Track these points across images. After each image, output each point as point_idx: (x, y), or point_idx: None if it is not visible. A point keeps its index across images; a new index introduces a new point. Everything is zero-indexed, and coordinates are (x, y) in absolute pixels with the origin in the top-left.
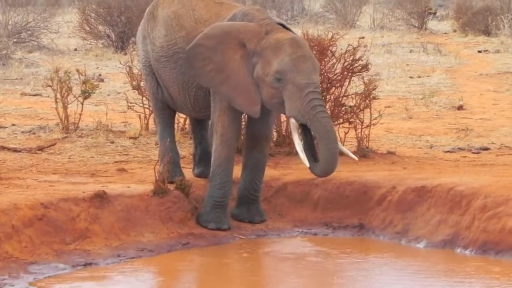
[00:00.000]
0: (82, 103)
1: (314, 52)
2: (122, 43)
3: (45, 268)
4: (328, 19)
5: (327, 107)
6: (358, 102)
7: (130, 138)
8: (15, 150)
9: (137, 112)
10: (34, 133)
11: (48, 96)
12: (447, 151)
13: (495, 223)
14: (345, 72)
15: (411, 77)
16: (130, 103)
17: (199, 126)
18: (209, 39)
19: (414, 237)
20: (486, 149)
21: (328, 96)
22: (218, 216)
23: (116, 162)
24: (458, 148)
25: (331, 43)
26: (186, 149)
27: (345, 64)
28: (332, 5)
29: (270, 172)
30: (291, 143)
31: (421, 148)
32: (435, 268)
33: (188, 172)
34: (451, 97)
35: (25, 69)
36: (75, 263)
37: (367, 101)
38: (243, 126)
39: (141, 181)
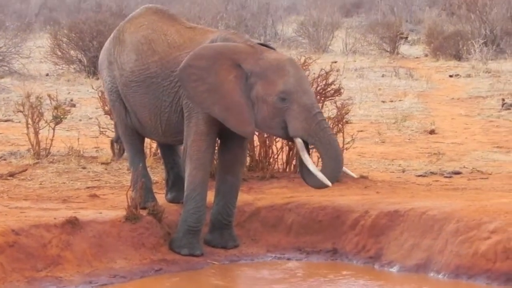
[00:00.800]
0: (53, 129)
1: None
2: (94, 68)
3: None
4: (301, 43)
5: None
6: (331, 126)
7: (102, 163)
8: None
9: (109, 137)
10: (5, 159)
11: (20, 122)
12: (419, 175)
13: (467, 247)
14: (318, 97)
15: (383, 102)
16: (102, 128)
17: (170, 151)
18: (201, 60)
19: (388, 262)
20: (458, 173)
21: None
22: (191, 242)
23: (88, 187)
24: (430, 172)
25: (304, 67)
26: (158, 174)
27: (318, 88)
28: (304, 30)
29: (243, 197)
30: (264, 168)
31: (393, 172)
32: None
33: (161, 197)
34: (423, 121)
35: None
36: None
37: (340, 125)
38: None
39: (113, 207)
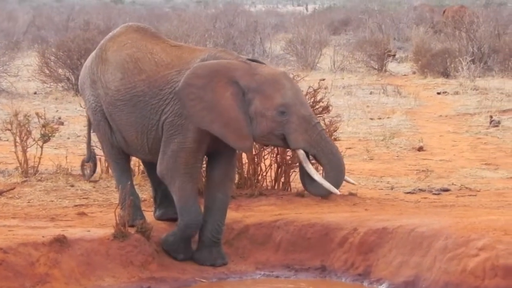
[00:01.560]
0: (41, 147)
1: None
2: None
3: None
4: (289, 61)
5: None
6: None
7: (90, 181)
8: None
9: (97, 155)
10: None
11: (7, 140)
12: (408, 192)
13: (456, 264)
14: None
15: (371, 119)
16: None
17: (155, 169)
18: (198, 79)
19: (376, 279)
20: (447, 190)
21: None
22: (186, 247)
23: (76, 205)
24: (419, 189)
25: None
26: (147, 192)
27: None
28: (292, 48)
29: (231, 215)
30: (252, 185)
31: (382, 189)
32: None
33: (150, 215)
34: (411, 138)
35: None
36: None
37: None
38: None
39: (101, 224)
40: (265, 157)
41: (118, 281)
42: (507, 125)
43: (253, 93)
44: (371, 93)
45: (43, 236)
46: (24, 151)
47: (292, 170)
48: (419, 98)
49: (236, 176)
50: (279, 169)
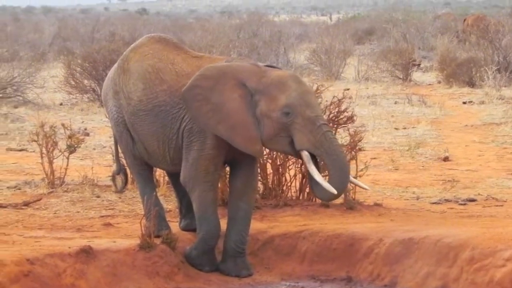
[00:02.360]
0: (67, 158)
1: None
2: None
3: None
4: (313, 71)
5: None
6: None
7: (116, 192)
8: (0, 206)
9: (123, 166)
10: (19, 189)
11: (34, 151)
12: (433, 203)
13: (483, 275)
14: (331, 124)
15: (396, 129)
16: None
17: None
18: (206, 80)
19: None
20: (473, 200)
21: None
22: (210, 259)
23: (102, 216)
24: (445, 199)
25: (316, 95)
26: (172, 202)
27: (331, 115)
28: (317, 57)
29: (256, 225)
30: (277, 196)
31: (407, 199)
32: None
33: (175, 225)
34: (436, 148)
35: (11, 124)
36: None
37: (353, 152)
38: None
39: (127, 235)
40: (290, 167)
41: None
42: None
43: (259, 95)
44: (396, 102)
45: (69, 247)
46: (51, 162)
47: None
48: (444, 107)
49: (261, 187)
50: (304, 179)
